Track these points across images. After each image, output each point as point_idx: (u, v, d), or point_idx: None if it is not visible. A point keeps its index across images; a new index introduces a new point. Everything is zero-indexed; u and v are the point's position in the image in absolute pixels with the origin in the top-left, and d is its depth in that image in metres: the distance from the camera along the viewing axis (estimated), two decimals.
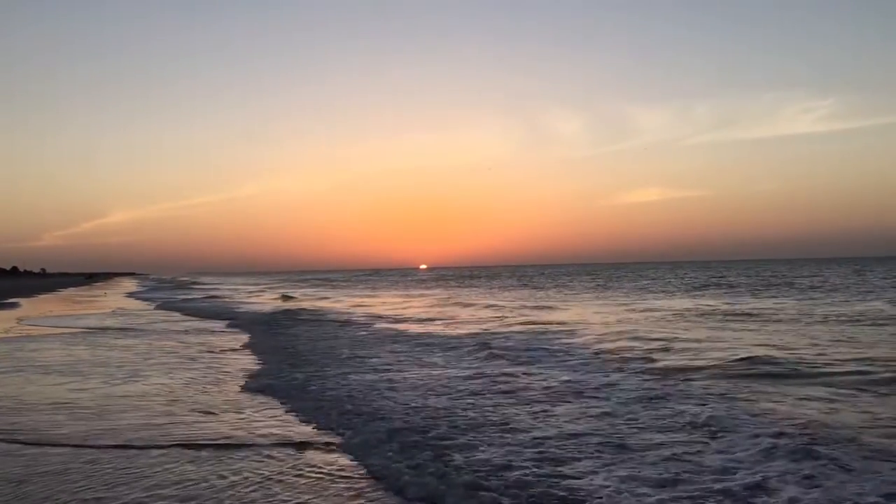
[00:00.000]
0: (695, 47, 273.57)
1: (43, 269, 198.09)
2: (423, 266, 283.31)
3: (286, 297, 42.91)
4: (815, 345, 13.43)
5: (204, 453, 6.56)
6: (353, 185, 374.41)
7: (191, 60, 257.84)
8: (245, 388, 10.02)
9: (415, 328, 19.66)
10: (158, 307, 34.87)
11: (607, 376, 10.15)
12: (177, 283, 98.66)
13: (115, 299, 46.53)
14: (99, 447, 6.89)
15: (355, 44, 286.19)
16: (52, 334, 19.53)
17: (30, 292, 56.75)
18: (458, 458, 6.01)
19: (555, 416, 7.66)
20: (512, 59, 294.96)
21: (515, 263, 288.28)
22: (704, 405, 7.84)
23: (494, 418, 7.53)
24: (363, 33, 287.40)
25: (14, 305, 37.08)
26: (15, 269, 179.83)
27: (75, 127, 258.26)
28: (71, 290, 65.96)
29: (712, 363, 11.11)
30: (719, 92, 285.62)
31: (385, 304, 34.68)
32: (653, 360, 11.64)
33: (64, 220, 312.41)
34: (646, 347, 13.39)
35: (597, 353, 12.77)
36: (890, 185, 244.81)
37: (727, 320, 20.09)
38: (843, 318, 19.41)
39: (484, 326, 19.35)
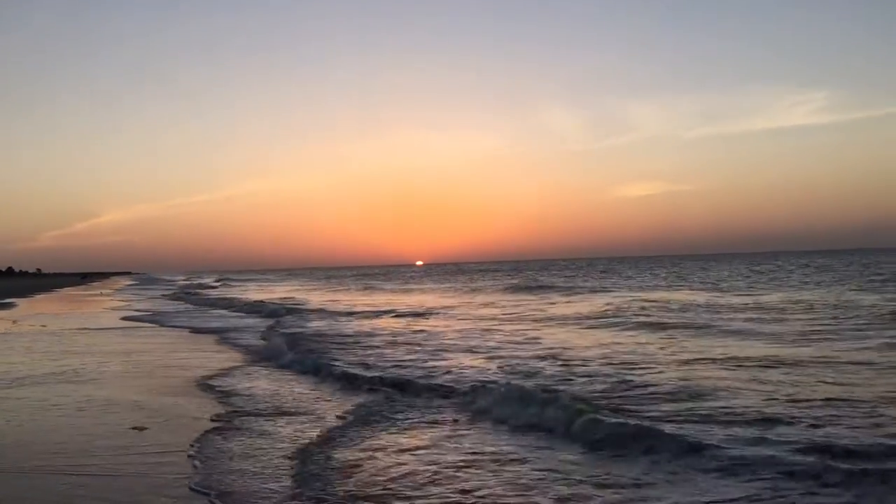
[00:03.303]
0: (688, 42, 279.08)
1: (38, 270, 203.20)
2: (420, 262, 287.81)
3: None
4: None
5: None
6: (349, 183, 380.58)
7: (184, 58, 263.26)
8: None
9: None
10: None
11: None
12: (162, 280, 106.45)
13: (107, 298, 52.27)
14: None
15: (350, 41, 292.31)
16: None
17: (26, 292, 60.49)
18: None
19: None
20: (506, 56, 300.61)
21: (512, 259, 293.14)
22: None
23: None
24: (357, 31, 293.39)
25: (11, 305, 40.03)
26: (10, 269, 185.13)
27: (69, 127, 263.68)
28: (67, 290, 70.47)
29: None
30: (713, 86, 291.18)
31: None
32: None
33: (59, 221, 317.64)
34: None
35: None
36: (883, 177, 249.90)
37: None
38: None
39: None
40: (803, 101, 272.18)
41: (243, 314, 29.30)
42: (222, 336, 19.79)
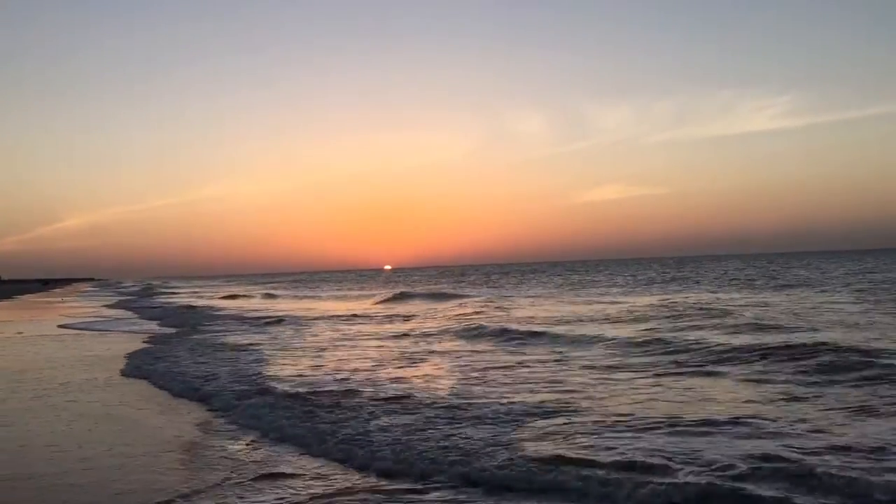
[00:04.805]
0: (654, 45, 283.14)
1: None
2: (388, 267, 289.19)
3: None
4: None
5: None
6: (317, 186, 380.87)
7: (148, 61, 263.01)
8: None
9: None
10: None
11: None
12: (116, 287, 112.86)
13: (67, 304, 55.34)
14: None
15: (318, 44, 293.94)
16: None
17: None
18: None
19: None
20: (473, 59, 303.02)
21: (481, 263, 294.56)
22: None
23: None
24: (325, 33, 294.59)
25: None
26: None
27: (31, 130, 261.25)
28: (28, 297, 70.72)
29: None
30: (678, 89, 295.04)
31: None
32: None
33: (20, 226, 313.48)
34: None
35: None
36: (846, 180, 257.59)
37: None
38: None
39: None
40: (768, 104, 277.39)
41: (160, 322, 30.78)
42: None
